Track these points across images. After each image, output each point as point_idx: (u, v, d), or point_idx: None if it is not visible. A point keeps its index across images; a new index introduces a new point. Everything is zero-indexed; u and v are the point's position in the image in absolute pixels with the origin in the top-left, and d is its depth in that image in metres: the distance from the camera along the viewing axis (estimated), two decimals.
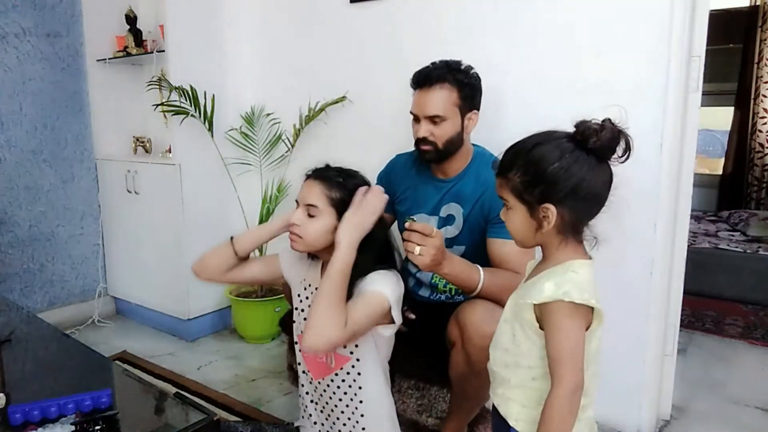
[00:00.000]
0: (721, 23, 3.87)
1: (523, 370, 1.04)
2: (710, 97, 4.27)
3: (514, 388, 1.06)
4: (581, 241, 1.03)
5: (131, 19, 2.73)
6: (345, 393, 1.42)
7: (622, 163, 0.98)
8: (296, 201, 1.40)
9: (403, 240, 1.34)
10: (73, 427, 1.15)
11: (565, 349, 0.95)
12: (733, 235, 3.60)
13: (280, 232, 1.48)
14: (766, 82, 4.07)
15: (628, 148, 0.96)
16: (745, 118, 4.18)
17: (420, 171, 1.77)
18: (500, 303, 1.29)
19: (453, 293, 1.72)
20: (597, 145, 0.94)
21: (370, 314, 1.29)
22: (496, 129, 1.82)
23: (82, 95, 2.90)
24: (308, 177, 1.40)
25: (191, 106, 2.48)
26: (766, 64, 4.05)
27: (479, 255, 1.59)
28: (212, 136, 2.58)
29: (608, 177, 0.98)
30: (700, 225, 3.82)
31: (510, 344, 1.06)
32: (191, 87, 2.47)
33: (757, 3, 4.08)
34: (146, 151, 2.91)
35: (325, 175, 1.38)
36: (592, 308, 0.97)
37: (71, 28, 2.82)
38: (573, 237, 1.01)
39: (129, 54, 2.76)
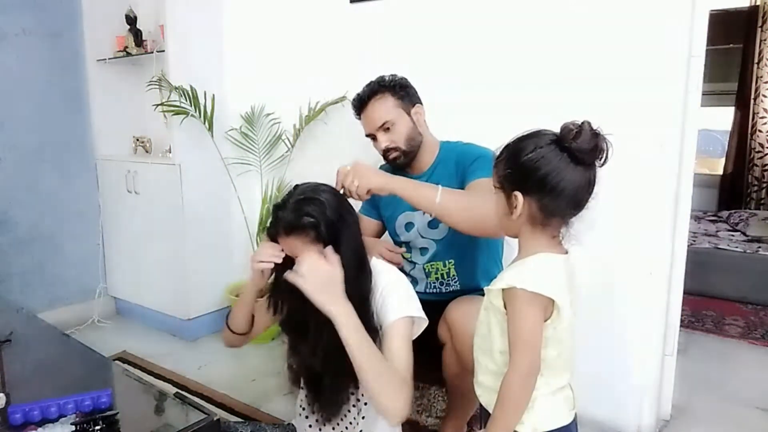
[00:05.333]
0: (721, 23, 3.86)
1: (497, 355, 1.09)
2: (710, 97, 4.27)
3: (492, 374, 1.11)
4: (554, 235, 1.06)
5: (131, 19, 2.73)
6: (352, 393, 1.42)
7: (600, 167, 1.01)
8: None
9: (347, 195, 1.42)
10: (73, 427, 1.14)
11: (520, 334, 1.01)
12: (733, 235, 3.60)
13: (258, 287, 1.46)
14: (766, 82, 4.07)
15: (602, 152, 0.99)
16: (745, 118, 4.18)
17: (395, 174, 1.76)
18: (467, 221, 1.41)
19: (446, 277, 1.73)
20: (572, 144, 0.97)
21: (409, 342, 1.29)
22: (506, 122, 1.82)
23: (82, 95, 2.90)
24: (280, 232, 1.29)
25: (191, 106, 2.48)
26: (766, 64, 4.05)
27: (463, 236, 1.61)
28: (212, 136, 2.58)
29: (581, 178, 1.00)
30: (700, 225, 3.82)
31: (486, 330, 1.12)
32: (191, 87, 2.47)
33: (757, 3, 4.07)
34: (146, 151, 2.91)
35: (297, 224, 1.25)
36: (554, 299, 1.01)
37: (71, 28, 2.82)
38: (543, 230, 1.05)
39: (129, 54, 2.76)
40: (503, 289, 1.03)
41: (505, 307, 1.04)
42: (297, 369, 1.44)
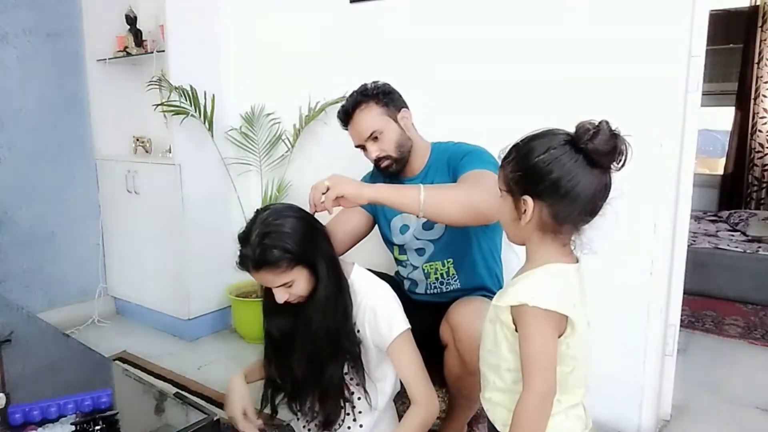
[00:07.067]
0: (721, 23, 3.87)
1: (504, 372, 1.03)
2: (710, 97, 4.27)
3: (500, 391, 1.05)
4: (566, 243, 1.00)
5: (131, 19, 2.73)
6: (352, 393, 1.43)
7: (618, 170, 0.94)
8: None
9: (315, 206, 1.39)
10: (73, 427, 1.15)
11: (533, 354, 0.94)
12: (733, 235, 3.60)
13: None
14: (766, 82, 4.07)
15: (621, 154, 0.92)
16: (745, 118, 4.18)
17: (387, 177, 1.77)
18: (457, 212, 1.37)
19: (446, 276, 1.73)
20: (588, 146, 0.90)
21: (416, 348, 1.38)
22: (505, 122, 1.82)
23: (82, 95, 2.91)
24: (250, 269, 1.30)
25: (191, 106, 2.48)
26: (766, 64, 4.04)
27: (460, 235, 1.64)
28: (212, 136, 2.58)
29: (597, 182, 0.93)
30: (700, 225, 3.82)
31: (492, 345, 1.05)
32: (191, 87, 2.47)
33: (757, 3, 4.07)
34: (146, 151, 2.91)
35: (265, 260, 1.26)
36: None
37: (71, 28, 2.82)
38: (554, 237, 0.98)
39: (129, 54, 2.76)
40: (512, 306, 0.97)
41: (514, 322, 0.98)
42: (279, 385, 1.49)
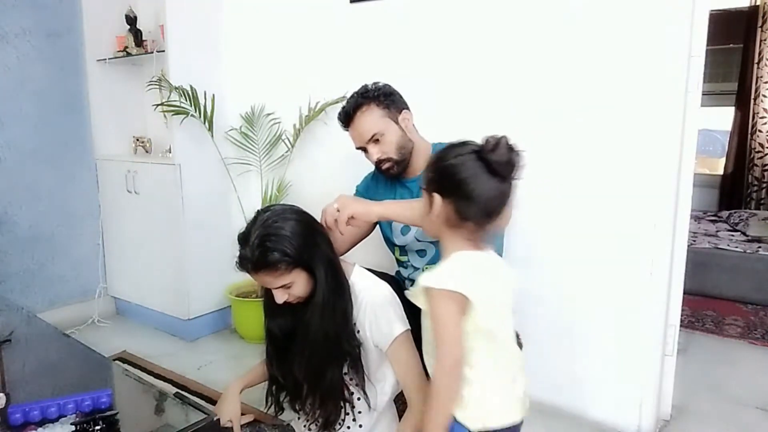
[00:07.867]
0: (721, 23, 3.87)
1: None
2: (710, 97, 4.28)
3: None
4: (470, 238, 1.12)
5: (131, 19, 2.74)
6: (352, 393, 1.43)
7: (515, 180, 1.07)
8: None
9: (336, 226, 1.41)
10: (73, 427, 1.15)
11: (436, 329, 1.08)
12: (733, 235, 3.60)
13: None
14: (766, 82, 4.07)
15: (514, 167, 1.05)
16: (745, 118, 4.18)
17: (388, 178, 1.78)
18: None
19: None
20: (489, 156, 1.04)
21: (414, 348, 1.37)
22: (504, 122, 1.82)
23: (82, 95, 2.90)
24: (249, 270, 1.31)
25: (191, 106, 2.48)
26: (766, 64, 4.05)
27: None
28: (212, 136, 2.58)
29: (494, 188, 1.05)
30: (700, 225, 3.82)
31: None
32: (191, 87, 2.47)
33: (757, 3, 4.08)
34: (146, 151, 2.91)
35: (263, 262, 1.27)
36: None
37: (71, 28, 2.82)
38: (459, 232, 1.11)
39: (129, 54, 2.76)
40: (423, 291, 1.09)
41: None
42: (282, 384, 1.50)
